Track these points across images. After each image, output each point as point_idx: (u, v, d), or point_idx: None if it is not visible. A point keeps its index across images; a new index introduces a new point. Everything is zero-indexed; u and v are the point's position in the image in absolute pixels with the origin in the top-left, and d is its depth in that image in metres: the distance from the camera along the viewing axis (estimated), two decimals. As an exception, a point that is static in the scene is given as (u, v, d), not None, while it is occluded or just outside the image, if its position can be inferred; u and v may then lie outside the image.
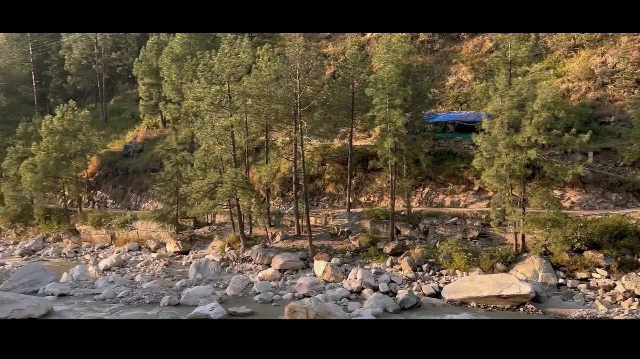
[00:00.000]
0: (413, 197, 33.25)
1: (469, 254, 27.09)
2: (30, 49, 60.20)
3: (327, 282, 27.33)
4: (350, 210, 33.91)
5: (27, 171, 42.87)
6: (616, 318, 20.52)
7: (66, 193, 45.43)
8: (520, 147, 25.32)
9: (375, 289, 25.69)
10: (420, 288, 25.54)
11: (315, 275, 28.30)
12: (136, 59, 49.64)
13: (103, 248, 40.34)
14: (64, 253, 40.01)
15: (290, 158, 33.84)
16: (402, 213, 31.59)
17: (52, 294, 27.50)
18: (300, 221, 33.39)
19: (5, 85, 54.84)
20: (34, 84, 59.95)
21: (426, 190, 33.83)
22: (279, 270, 29.52)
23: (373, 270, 27.97)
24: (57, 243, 42.84)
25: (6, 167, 46.74)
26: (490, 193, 29.87)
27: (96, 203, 48.03)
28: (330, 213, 34.72)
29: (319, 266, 28.51)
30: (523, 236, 26.73)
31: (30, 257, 40.13)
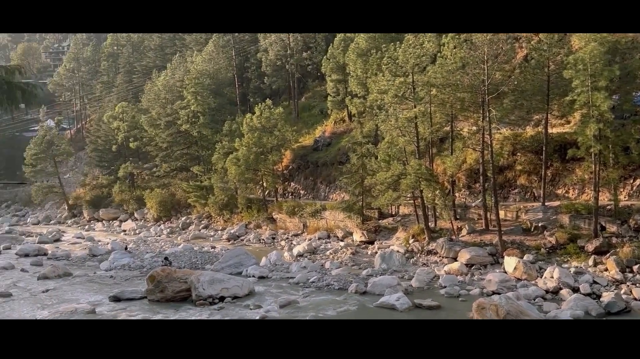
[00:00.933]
0: (621, 190, 29.54)
1: (694, 256, 23.27)
2: (234, 54, 66.61)
3: (518, 280, 25.71)
4: (545, 204, 31.38)
5: (232, 164, 47.56)
6: None
7: (264, 184, 49.44)
8: None
9: (575, 290, 23.45)
10: (630, 291, 22.68)
11: (505, 272, 26.81)
12: (324, 57, 51.93)
13: (296, 235, 43.09)
14: (263, 239, 43.65)
15: (477, 149, 32.45)
16: (608, 207, 28.30)
17: (253, 276, 30.21)
18: (488, 214, 31.88)
19: (214, 88, 61.36)
20: (236, 86, 66.20)
21: (637, 181, 29.82)
22: (466, 265, 28.57)
23: (572, 269, 25.58)
24: (257, 229, 46.88)
25: (215, 161, 52.40)
26: None
27: (290, 194, 51.48)
28: (522, 206, 32.54)
29: (510, 262, 26.92)
30: None
31: (235, 242, 44.57)
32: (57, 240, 51.18)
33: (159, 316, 23.15)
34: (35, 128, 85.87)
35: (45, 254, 41.63)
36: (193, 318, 22.87)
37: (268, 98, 53.18)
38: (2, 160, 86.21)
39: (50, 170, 72.66)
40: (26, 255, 41.22)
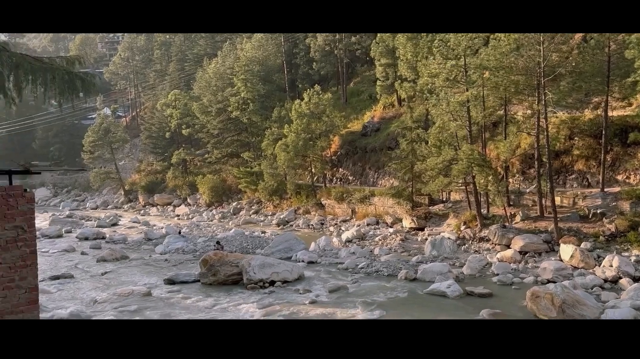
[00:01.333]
0: (687, 175, 28.06)
1: None
2: (282, 40, 66.78)
3: (575, 268, 24.92)
4: (605, 190, 30.17)
5: (281, 151, 47.95)
6: None
7: (313, 170, 49.67)
8: None
9: (636, 279, 22.52)
10: (697, 282, 21.58)
11: (561, 260, 26.02)
12: (373, 41, 51.35)
13: (345, 221, 43.15)
14: (312, 225, 43.92)
15: (532, 133, 31.46)
16: (673, 193, 26.94)
17: (303, 261, 30.49)
18: (543, 201, 30.95)
19: (263, 75, 61.79)
20: (285, 72, 66.43)
21: None
22: (519, 252, 27.89)
23: (633, 258, 24.54)
24: (306, 215, 47.23)
25: (265, 148, 52.97)
26: None
27: (339, 180, 51.51)
28: (579, 192, 31.42)
29: (566, 250, 26.09)
30: None
31: (284, 227, 45.06)
32: (115, 224, 53.14)
33: (211, 299, 23.74)
34: (93, 116, 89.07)
35: (103, 238, 43.36)
36: (244, 301, 23.34)
37: (316, 84, 53.11)
38: (62, 147, 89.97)
39: (107, 157, 75.39)
40: (86, 238, 43.05)
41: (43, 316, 8.60)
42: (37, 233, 43.38)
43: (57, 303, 23.90)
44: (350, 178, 50.42)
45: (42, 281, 28.18)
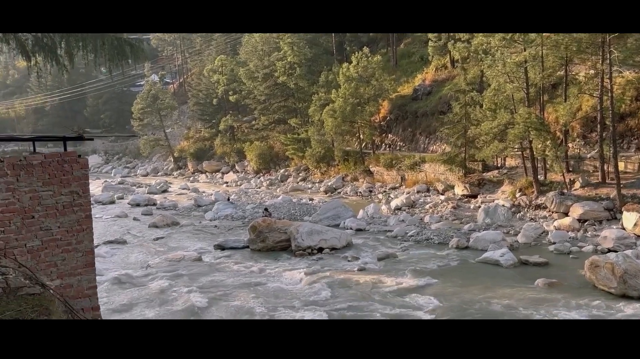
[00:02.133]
0: None
1: None
2: (329, 3, 65.11)
3: (638, 237, 23.64)
4: (674, 155, 28.31)
5: (328, 117, 47.22)
6: None
7: (361, 136, 48.86)
8: None
9: None
10: None
11: (623, 228, 24.71)
12: None
13: (394, 188, 42.43)
14: (360, 192, 43.45)
15: (594, 95, 29.64)
16: None
17: (351, 228, 30.16)
18: (605, 166, 29.31)
19: (310, 38, 60.47)
20: (333, 35, 64.91)
21: None
22: (578, 220, 26.65)
23: None
24: (354, 182, 46.73)
25: (312, 114, 52.28)
26: None
27: (388, 146, 50.48)
28: (645, 157, 29.63)
29: (630, 218, 24.71)
30: None
31: (332, 194, 44.76)
32: (165, 191, 54.15)
33: (260, 265, 23.81)
34: (141, 83, 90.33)
35: (154, 204, 44.21)
36: (292, 267, 23.30)
37: (365, 46, 51.64)
38: (112, 115, 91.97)
39: (156, 124, 76.53)
40: (137, 205, 44.01)
41: (98, 278, 8.95)
42: (91, 199, 44.69)
43: (110, 267, 24.51)
44: (400, 144, 49.33)
45: (96, 246, 28.98)
